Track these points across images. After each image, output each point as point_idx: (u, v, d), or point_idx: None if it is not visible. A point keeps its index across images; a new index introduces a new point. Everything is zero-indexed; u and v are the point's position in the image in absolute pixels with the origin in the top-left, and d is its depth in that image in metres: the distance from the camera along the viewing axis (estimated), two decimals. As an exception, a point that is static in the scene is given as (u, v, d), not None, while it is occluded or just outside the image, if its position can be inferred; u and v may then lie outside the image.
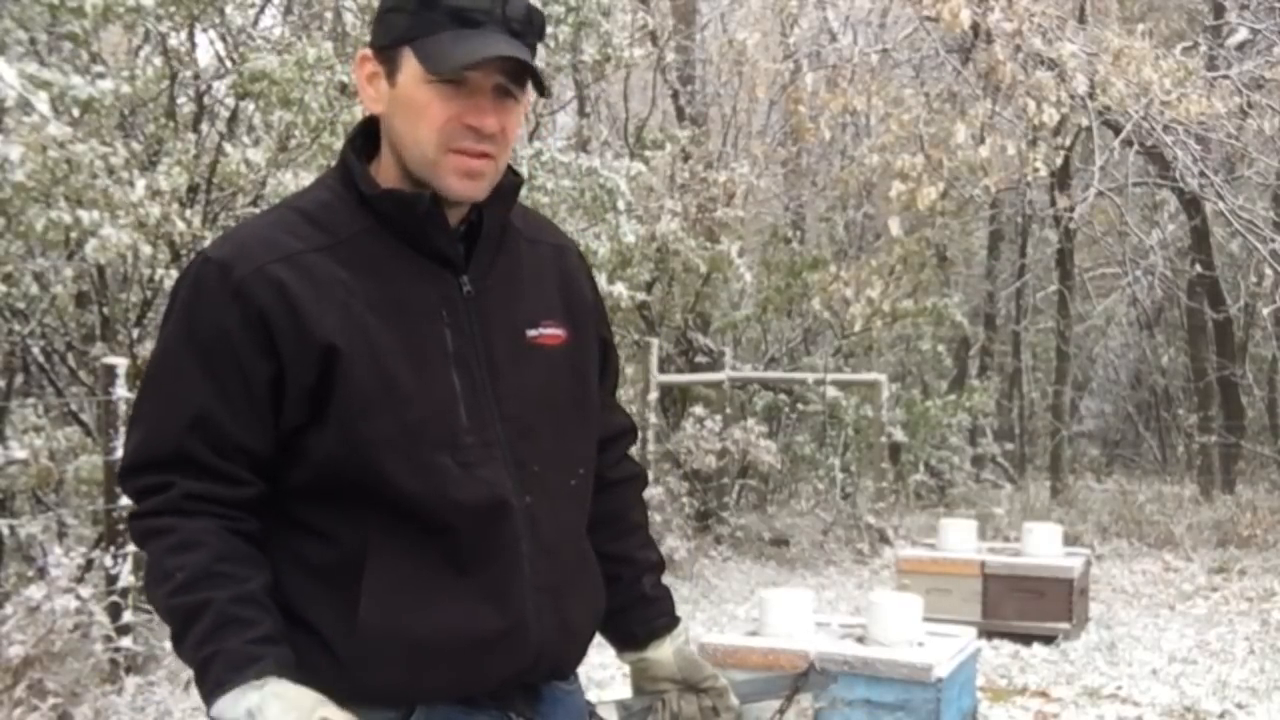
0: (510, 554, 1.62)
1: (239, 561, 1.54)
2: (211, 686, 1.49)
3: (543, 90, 1.65)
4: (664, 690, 1.87)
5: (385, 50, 1.60)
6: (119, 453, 5.37)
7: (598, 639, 1.82)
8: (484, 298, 1.64)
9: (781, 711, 1.96)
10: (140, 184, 5.41)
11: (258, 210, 6.16)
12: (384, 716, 1.58)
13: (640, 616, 1.88)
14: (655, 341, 9.68)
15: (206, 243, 6.09)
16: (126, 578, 5.34)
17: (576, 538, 1.74)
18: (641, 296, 9.82)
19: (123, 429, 5.40)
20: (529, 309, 1.69)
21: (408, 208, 1.61)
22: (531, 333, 1.68)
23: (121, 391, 5.41)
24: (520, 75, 1.61)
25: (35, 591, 4.85)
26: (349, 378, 1.54)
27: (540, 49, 1.73)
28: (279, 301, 1.54)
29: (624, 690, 1.91)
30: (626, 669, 1.93)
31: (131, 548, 5.41)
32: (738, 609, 7.37)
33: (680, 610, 1.94)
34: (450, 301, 1.62)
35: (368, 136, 1.68)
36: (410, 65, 1.57)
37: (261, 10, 7.80)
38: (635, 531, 1.91)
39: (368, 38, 1.68)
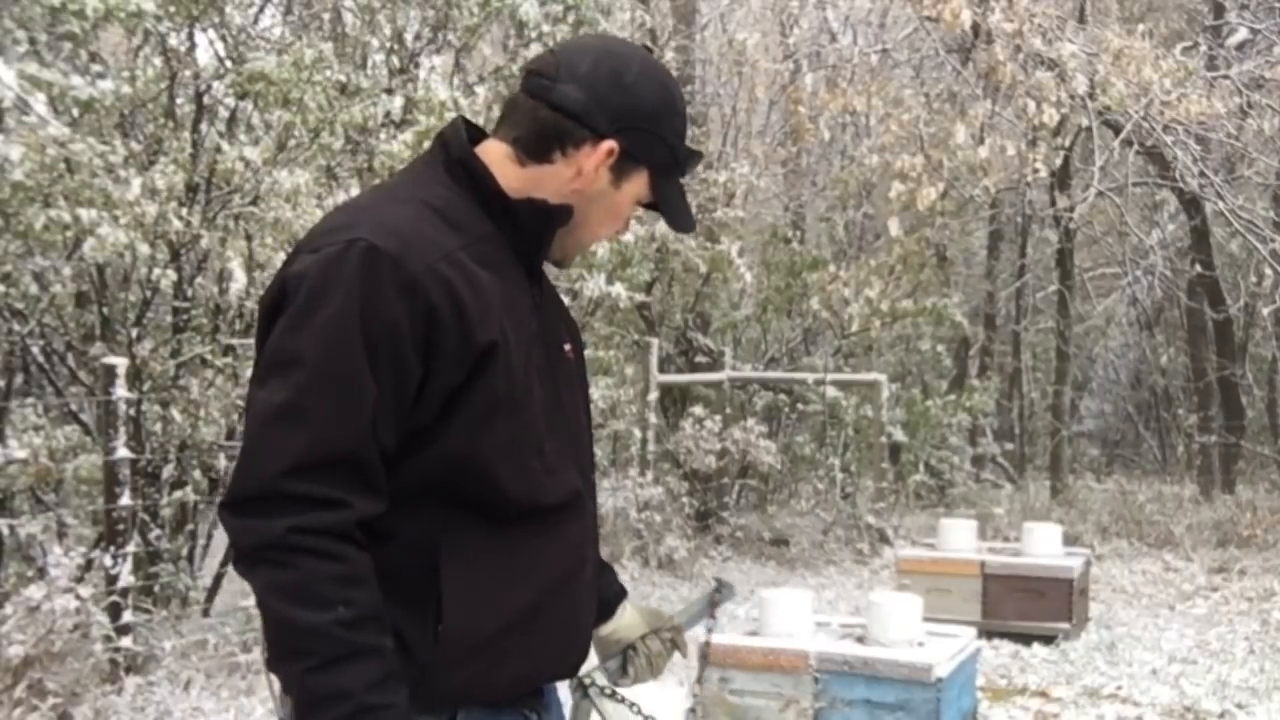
0: (579, 556, 1.71)
1: (384, 613, 1.55)
2: None
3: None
4: (628, 641, 1.96)
5: (629, 159, 1.68)
6: (119, 452, 5.36)
7: None
8: (544, 311, 1.72)
9: (710, 630, 2.12)
10: (136, 183, 5.41)
11: (256, 209, 6.15)
12: None
13: (607, 580, 1.95)
14: (655, 341, 9.68)
15: (204, 241, 6.14)
16: (126, 578, 5.34)
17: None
18: (641, 297, 9.82)
19: (122, 429, 5.40)
20: (557, 325, 1.77)
21: (547, 219, 1.68)
22: (565, 347, 1.76)
23: (121, 391, 5.40)
24: None
25: (35, 591, 4.85)
26: (493, 380, 1.57)
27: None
28: (448, 301, 1.54)
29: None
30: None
31: (131, 547, 5.40)
32: (738, 609, 7.35)
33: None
34: (533, 310, 1.68)
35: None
36: (639, 187, 1.71)
37: (261, 10, 7.79)
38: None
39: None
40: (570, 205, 1.67)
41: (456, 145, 1.68)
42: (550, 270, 1.86)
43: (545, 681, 1.73)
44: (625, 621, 1.96)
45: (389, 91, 6.82)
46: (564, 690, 1.87)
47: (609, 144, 1.65)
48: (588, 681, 1.91)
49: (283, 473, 1.49)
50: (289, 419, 1.50)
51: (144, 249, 5.62)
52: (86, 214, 5.22)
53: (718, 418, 9.57)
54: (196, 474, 6.49)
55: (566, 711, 1.88)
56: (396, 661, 1.52)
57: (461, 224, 1.61)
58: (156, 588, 6.08)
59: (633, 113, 1.66)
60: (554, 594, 1.66)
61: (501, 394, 1.58)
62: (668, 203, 1.73)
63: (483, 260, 1.60)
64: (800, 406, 11.61)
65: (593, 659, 1.95)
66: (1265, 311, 12.83)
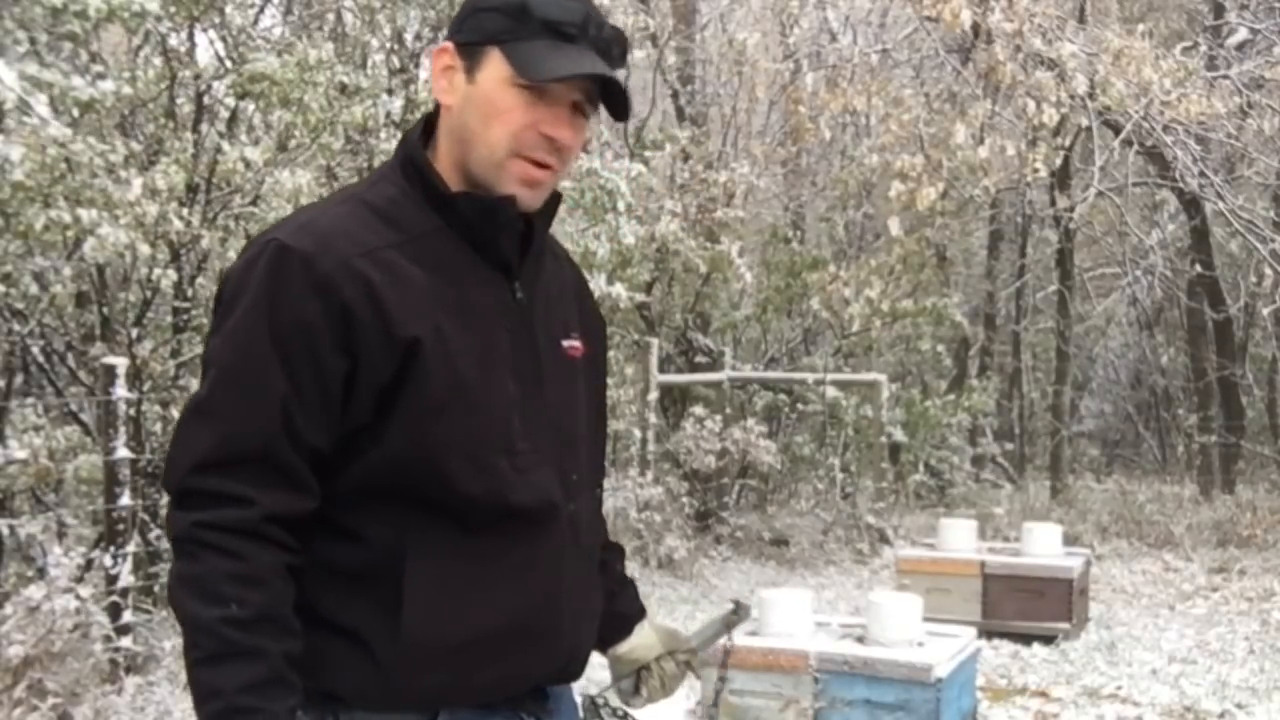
0: (555, 558, 1.66)
1: (291, 615, 1.53)
2: None
3: (625, 115, 1.66)
4: (644, 661, 1.94)
5: (469, 47, 1.60)
6: (119, 452, 5.36)
7: None
8: (532, 306, 1.66)
9: (728, 652, 2.11)
10: (137, 183, 5.41)
11: (256, 209, 6.16)
12: None
13: (628, 597, 1.94)
14: (655, 341, 9.68)
15: (205, 242, 6.14)
16: (126, 578, 5.34)
17: (598, 545, 1.83)
18: (641, 297, 9.82)
19: (122, 429, 5.40)
20: (561, 320, 1.72)
21: (489, 212, 1.62)
22: (566, 344, 1.71)
23: (121, 391, 5.40)
24: (594, 96, 1.63)
25: (35, 591, 4.85)
26: (425, 377, 1.54)
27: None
28: (364, 297, 1.52)
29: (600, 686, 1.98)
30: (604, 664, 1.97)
31: (132, 547, 5.41)
32: (738, 609, 7.36)
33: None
34: (507, 307, 1.63)
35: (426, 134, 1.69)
36: (496, 66, 1.58)
37: (261, 10, 7.80)
38: (603, 520, 1.96)
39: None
40: (513, 195, 1.61)
41: (411, 142, 1.67)
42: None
43: (532, 684, 1.69)
44: (643, 641, 1.93)
45: (389, 92, 6.83)
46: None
47: (441, 44, 1.62)
48: (600, 701, 1.89)
49: (191, 469, 1.52)
50: (200, 417, 1.54)
51: (144, 249, 5.62)
52: (87, 214, 5.22)
53: (718, 418, 9.57)
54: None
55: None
56: (286, 668, 1.50)
57: (401, 222, 1.59)
58: (156, 588, 6.08)
59: (460, 12, 1.65)
60: (532, 598, 1.62)
61: (446, 392, 1.55)
62: (521, 58, 1.56)
63: (420, 258, 1.57)
64: (800, 406, 11.62)
65: (606, 677, 1.94)
66: (1265, 311, 12.82)
